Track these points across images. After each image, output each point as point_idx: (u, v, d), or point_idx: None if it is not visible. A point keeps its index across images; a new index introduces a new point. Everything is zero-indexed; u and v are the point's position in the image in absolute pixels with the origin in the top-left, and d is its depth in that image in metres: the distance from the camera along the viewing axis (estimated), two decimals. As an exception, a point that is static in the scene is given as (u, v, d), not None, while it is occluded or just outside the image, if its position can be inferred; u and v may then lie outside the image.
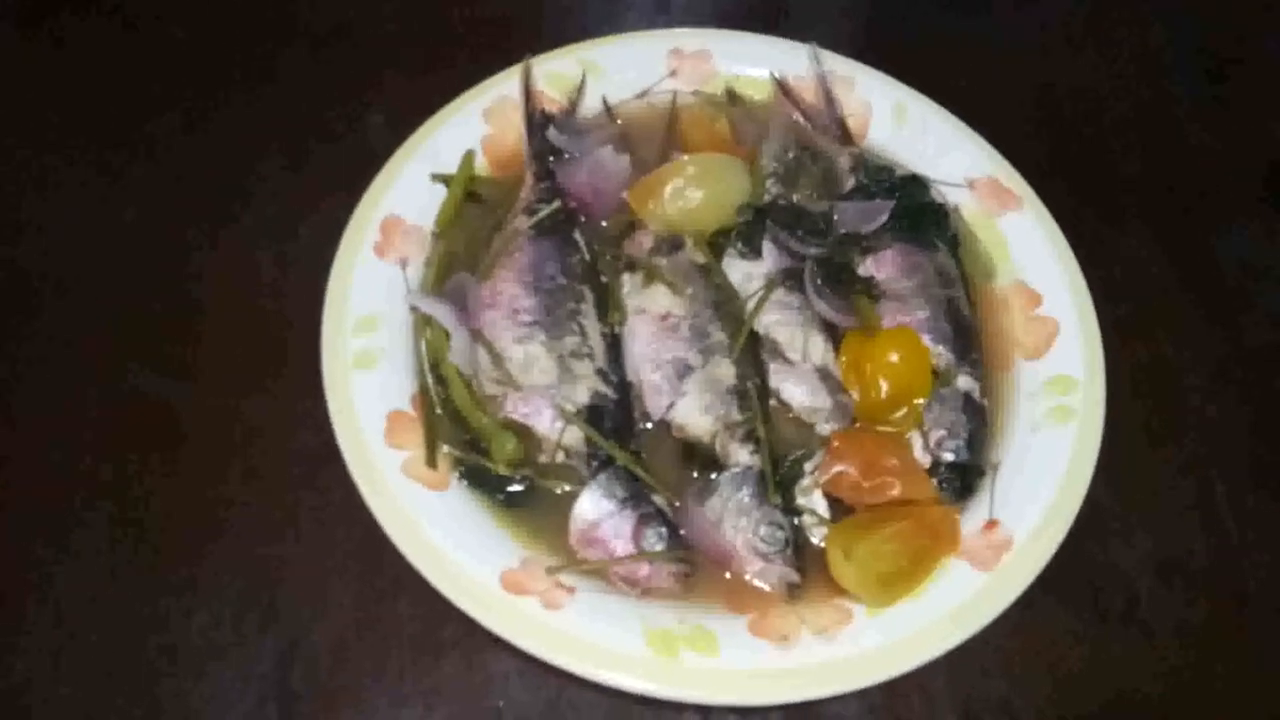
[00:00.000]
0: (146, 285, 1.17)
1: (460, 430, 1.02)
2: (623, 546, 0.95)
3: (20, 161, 1.27)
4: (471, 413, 1.01)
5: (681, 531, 0.98)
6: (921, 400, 1.06)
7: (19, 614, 0.97)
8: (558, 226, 1.14)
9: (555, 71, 1.27)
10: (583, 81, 1.28)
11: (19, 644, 0.96)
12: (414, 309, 1.08)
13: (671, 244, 1.13)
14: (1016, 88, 1.45)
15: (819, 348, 1.08)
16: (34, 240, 1.20)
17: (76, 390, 1.10)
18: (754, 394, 1.04)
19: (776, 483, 0.99)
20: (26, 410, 1.09)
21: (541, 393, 1.01)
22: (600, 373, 1.05)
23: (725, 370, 1.05)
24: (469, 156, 1.19)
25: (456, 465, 1.00)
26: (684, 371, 1.05)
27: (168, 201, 1.24)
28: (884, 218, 1.16)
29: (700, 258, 1.13)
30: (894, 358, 1.05)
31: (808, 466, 1.01)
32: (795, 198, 1.19)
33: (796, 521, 0.99)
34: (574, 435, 1.00)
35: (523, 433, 1.00)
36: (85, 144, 1.28)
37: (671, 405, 1.03)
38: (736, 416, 1.02)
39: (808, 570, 0.96)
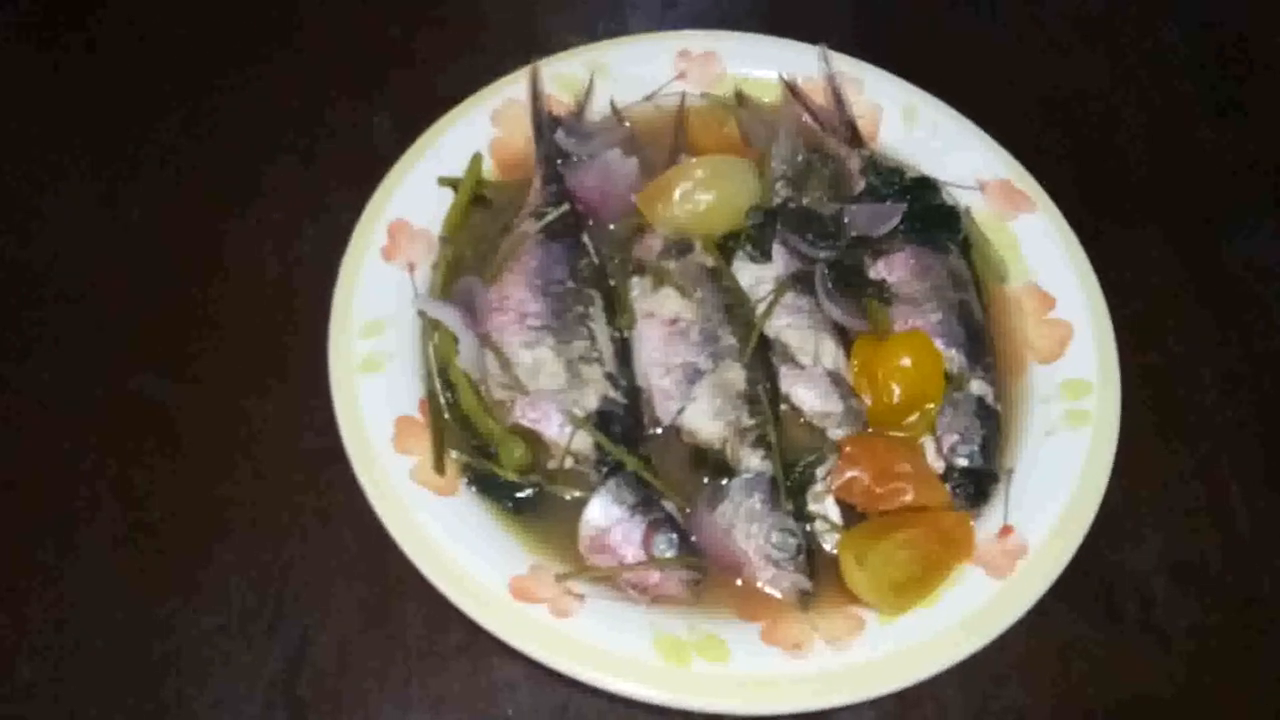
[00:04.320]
0: (152, 286, 1.17)
1: (468, 435, 1.01)
2: (632, 553, 0.94)
3: (28, 161, 1.26)
4: (480, 418, 1.01)
5: (692, 538, 0.97)
6: (934, 405, 1.05)
7: (23, 617, 0.97)
8: (566, 230, 1.14)
9: (563, 74, 1.27)
10: (590, 84, 1.27)
11: (22, 648, 0.95)
12: (422, 313, 1.07)
13: (680, 247, 1.13)
14: (1027, 89, 1.44)
15: (830, 352, 1.07)
16: (40, 240, 1.20)
17: (82, 391, 1.09)
18: (765, 399, 1.03)
19: (788, 488, 0.98)
20: (31, 411, 1.08)
21: (550, 398, 1.01)
22: (609, 377, 1.04)
23: (735, 374, 1.04)
24: (476, 160, 1.19)
25: (465, 471, 0.99)
26: (694, 376, 1.04)
27: (174, 202, 1.24)
28: (895, 220, 1.15)
29: (710, 261, 1.12)
30: (906, 362, 1.04)
31: (819, 472, 1.00)
32: (805, 200, 1.19)
33: (808, 528, 0.98)
34: (583, 441, 0.99)
35: (531, 438, 1.00)
36: (92, 144, 1.28)
37: (681, 410, 1.03)
38: (747, 421, 1.01)
39: (820, 577, 0.96)
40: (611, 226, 1.18)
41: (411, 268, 1.10)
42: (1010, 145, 1.25)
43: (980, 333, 1.11)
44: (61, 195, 1.24)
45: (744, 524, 0.96)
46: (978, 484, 1.02)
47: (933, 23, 1.51)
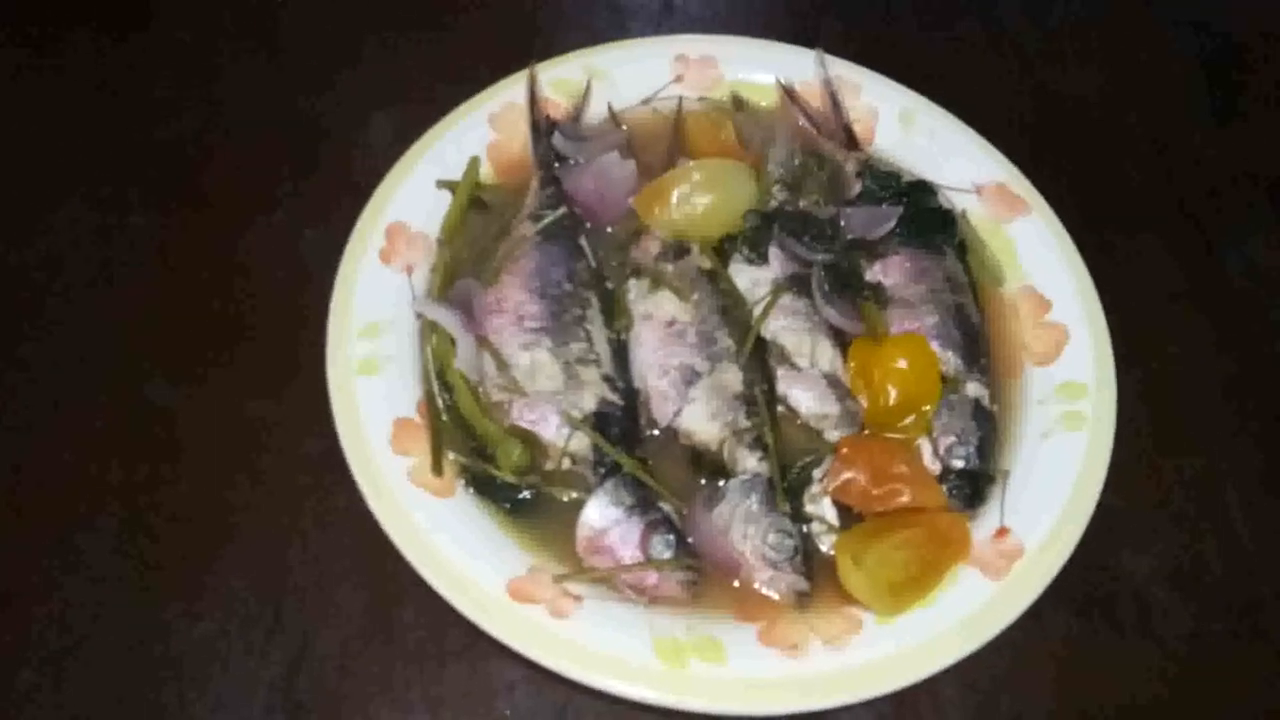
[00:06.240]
0: (155, 292, 1.17)
1: (466, 437, 1.01)
2: (630, 554, 0.94)
3: (32, 168, 1.26)
4: (477, 419, 1.01)
5: (689, 539, 0.97)
6: (930, 407, 1.05)
7: (24, 621, 0.96)
8: (563, 233, 1.14)
9: (561, 78, 1.27)
10: (588, 88, 1.28)
11: (24, 650, 0.95)
12: (419, 315, 1.07)
13: (678, 250, 1.13)
14: (1023, 94, 1.45)
15: (827, 354, 1.07)
16: (45, 246, 1.20)
17: (84, 396, 1.09)
18: (761, 400, 1.03)
19: (785, 490, 0.98)
20: (34, 416, 1.08)
21: (548, 399, 1.01)
22: (607, 379, 1.04)
23: (732, 376, 1.04)
24: (474, 163, 1.19)
25: (462, 472, 0.99)
26: (691, 378, 1.04)
27: (176, 209, 1.24)
28: (891, 223, 1.15)
29: (707, 264, 1.12)
30: (902, 364, 1.04)
31: (816, 473, 1.00)
32: (802, 203, 1.19)
33: (805, 529, 0.98)
34: (580, 442, 0.99)
35: (529, 439, 1.00)
36: (95, 150, 1.28)
37: (678, 412, 1.03)
38: (744, 423, 1.01)
39: (817, 578, 0.96)
40: (609, 229, 1.18)
41: (409, 270, 1.10)
42: (1007, 150, 1.25)
43: (976, 335, 1.11)
44: (65, 202, 1.24)
45: (741, 525, 0.96)
46: (974, 485, 1.02)
47: (929, 27, 1.51)
